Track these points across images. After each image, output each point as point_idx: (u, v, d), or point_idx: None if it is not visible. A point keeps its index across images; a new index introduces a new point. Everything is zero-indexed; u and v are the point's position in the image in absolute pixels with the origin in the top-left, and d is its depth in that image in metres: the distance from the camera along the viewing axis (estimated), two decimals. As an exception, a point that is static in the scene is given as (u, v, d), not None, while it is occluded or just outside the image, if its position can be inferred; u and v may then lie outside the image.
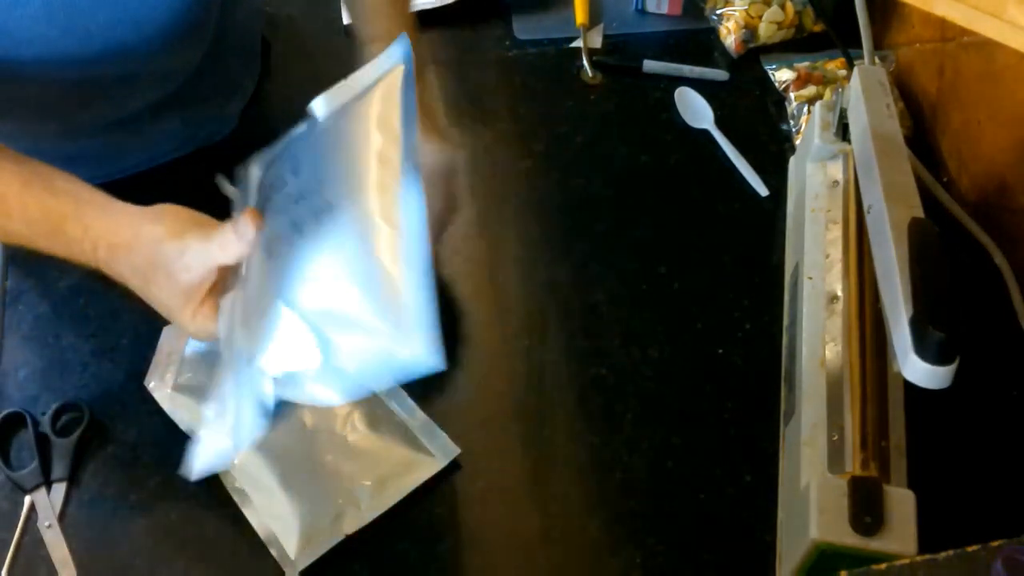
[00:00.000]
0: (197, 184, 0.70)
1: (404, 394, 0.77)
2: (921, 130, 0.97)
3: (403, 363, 0.55)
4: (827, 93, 0.97)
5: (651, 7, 1.11)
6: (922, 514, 0.60)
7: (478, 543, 0.72)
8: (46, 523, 0.72)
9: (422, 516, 0.72)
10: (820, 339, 0.72)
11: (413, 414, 0.76)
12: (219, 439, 0.64)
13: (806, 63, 1.02)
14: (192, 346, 0.80)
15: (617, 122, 1.00)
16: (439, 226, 0.76)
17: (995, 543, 0.53)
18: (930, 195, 0.89)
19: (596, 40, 1.09)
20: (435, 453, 0.74)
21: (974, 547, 0.53)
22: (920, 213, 0.68)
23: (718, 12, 1.07)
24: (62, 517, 0.72)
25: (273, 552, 0.69)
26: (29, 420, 0.76)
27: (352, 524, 0.70)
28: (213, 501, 0.72)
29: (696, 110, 1.01)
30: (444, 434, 0.75)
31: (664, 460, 0.74)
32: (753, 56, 1.05)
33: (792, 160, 0.93)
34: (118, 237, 0.65)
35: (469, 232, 0.91)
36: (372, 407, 0.76)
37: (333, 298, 0.58)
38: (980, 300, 0.83)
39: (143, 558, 0.70)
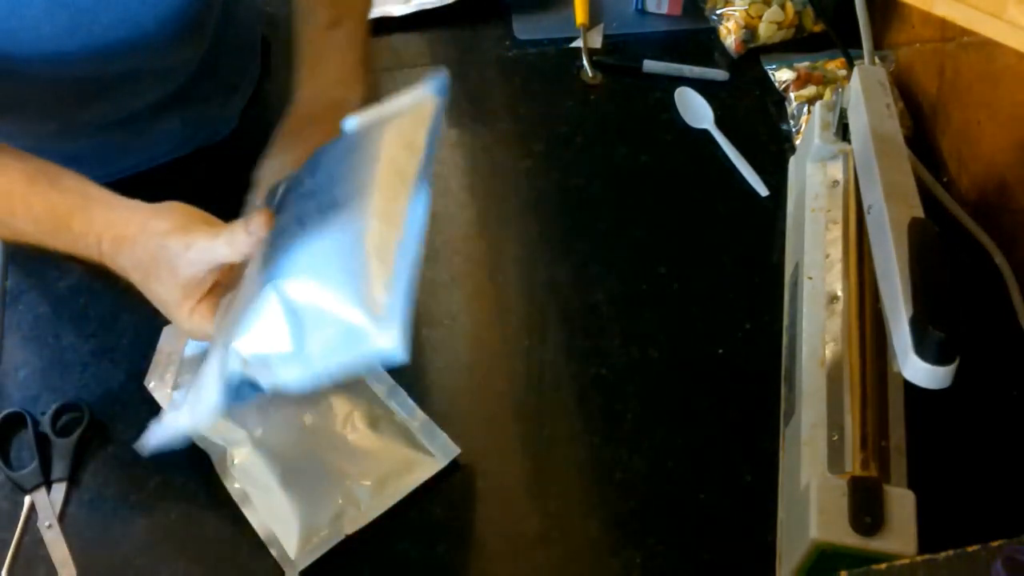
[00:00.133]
0: (197, 184, 0.71)
1: (404, 394, 0.77)
2: (921, 130, 0.97)
3: (369, 351, 0.56)
4: (827, 93, 0.97)
5: (651, 7, 1.11)
6: (922, 514, 0.60)
7: (478, 543, 0.72)
8: (46, 523, 0.72)
9: (422, 516, 0.72)
10: (820, 339, 0.72)
11: (413, 414, 0.76)
12: (178, 417, 0.64)
13: (806, 63, 1.02)
14: (192, 346, 0.80)
15: (617, 122, 1.00)
16: None
17: (995, 543, 0.53)
18: (930, 195, 0.89)
19: (596, 40, 1.09)
20: (435, 453, 0.74)
21: (974, 547, 0.53)
22: (920, 213, 0.68)
23: (718, 12, 1.07)
24: (62, 517, 0.72)
25: (273, 552, 0.69)
26: (29, 420, 0.76)
27: (352, 524, 0.70)
28: (213, 501, 0.72)
29: (696, 110, 1.01)
30: (444, 434, 0.75)
31: (664, 460, 0.74)
32: (753, 56, 1.05)
33: (792, 160, 0.93)
34: (124, 230, 0.65)
35: (469, 232, 0.91)
36: (372, 407, 0.76)
37: (313, 284, 0.58)
38: (980, 300, 0.83)
39: (143, 558, 0.70)
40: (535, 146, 0.98)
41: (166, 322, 0.74)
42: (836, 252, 0.77)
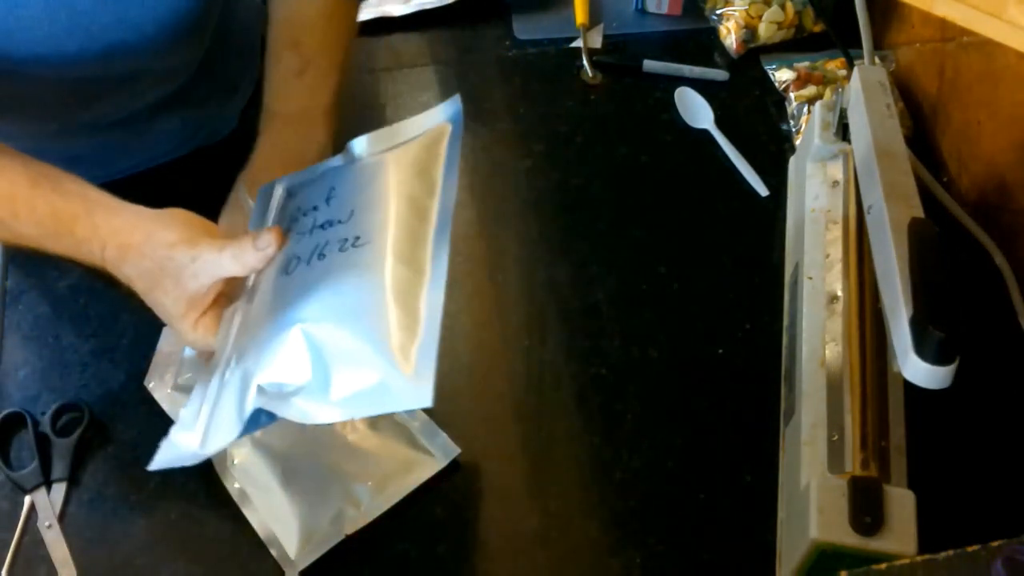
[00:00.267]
0: (197, 184, 0.70)
1: None
2: (921, 130, 0.97)
3: (399, 405, 0.57)
4: (827, 93, 0.97)
5: (651, 7, 1.11)
6: (922, 514, 0.60)
7: (478, 543, 0.72)
8: (46, 523, 0.72)
9: (422, 516, 0.72)
10: (820, 339, 0.72)
11: (413, 414, 0.76)
12: (189, 438, 0.64)
13: (806, 63, 1.02)
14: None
15: (617, 122, 1.00)
16: None
17: (995, 543, 0.53)
18: (930, 195, 0.89)
19: (596, 40, 1.09)
20: (435, 453, 0.74)
21: (974, 547, 0.53)
22: (920, 213, 0.68)
23: (718, 12, 1.07)
24: (62, 517, 0.72)
25: (273, 552, 0.69)
26: (29, 420, 0.76)
27: (352, 524, 0.70)
28: (213, 501, 0.72)
29: (696, 110, 1.01)
30: (444, 434, 0.74)
31: (664, 460, 0.74)
32: (753, 56, 1.05)
33: (792, 160, 0.93)
34: (129, 238, 0.65)
35: (469, 232, 0.91)
36: None
37: (338, 324, 0.59)
38: (980, 300, 0.83)
39: (143, 558, 0.70)
40: (535, 146, 0.98)
41: (166, 322, 0.74)
42: (836, 252, 0.77)
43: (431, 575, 0.69)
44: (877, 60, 0.90)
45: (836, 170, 0.83)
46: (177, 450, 0.65)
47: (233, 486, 0.72)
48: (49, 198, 0.67)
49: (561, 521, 0.72)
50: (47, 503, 0.73)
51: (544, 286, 0.86)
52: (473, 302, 0.86)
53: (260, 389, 0.60)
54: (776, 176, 0.93)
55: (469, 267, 0.88)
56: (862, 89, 0.80)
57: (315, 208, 0.66)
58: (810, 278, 0.77)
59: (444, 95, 1.04)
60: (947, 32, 0.92)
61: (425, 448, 0.74)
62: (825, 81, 0.99)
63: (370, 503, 0.71)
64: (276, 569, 0.69)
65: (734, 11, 1.06)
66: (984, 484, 0.71)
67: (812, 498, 0.61)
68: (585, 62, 1.05)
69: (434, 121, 0.68)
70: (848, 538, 0.59)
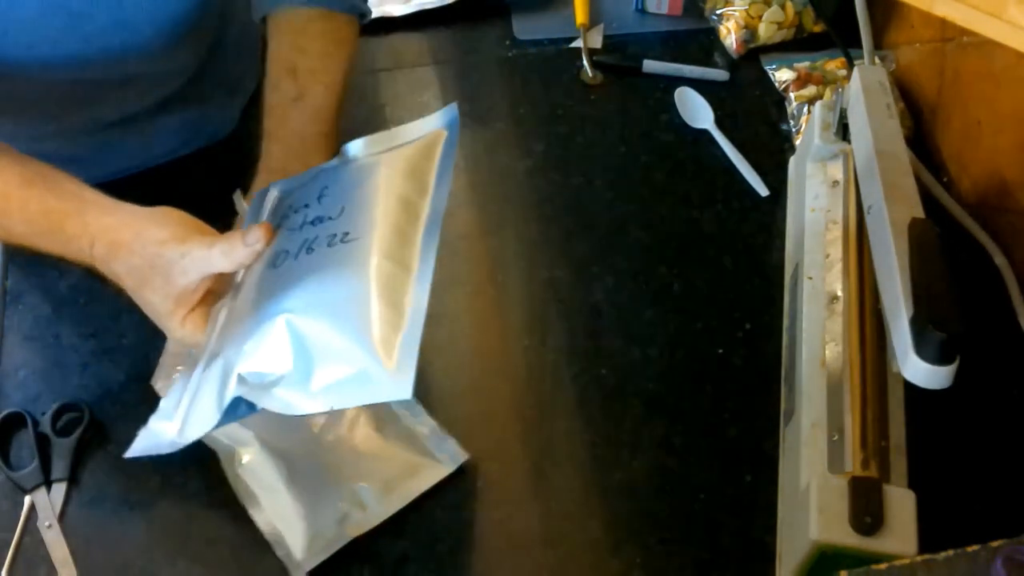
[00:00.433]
0: (197, 184, 0.71)
1: (413, 400, 0.76)
2: (921, 130, 0.97)
3: (377, 397, 0.57)
4: (827, 93, 0.97)
5: (651, 7, 1.11)
6: (922, 514, 0.60)
7: (478, 543, 0.72)
8: (46, 523, 0.72)
9: (422, 516, 0.72)
10: (820, 339, 0.72)
11: (421, 419, 0.75)
12: (167, 427, 0.65)
13: (806, 63, 1.02)
14: None
15: (617, 122, 1.00)
16: None
17: (995, 543, 0.53)
18: (930, 195, 0.89)
19: (596, 40, 1.09)
20: (443, 459, 0.73)
21: (974, 547, 0.53)
22: (920, 213, 0.68)
23: (718, 12, 1.07)
24: (62, 517, 0.72)
25: (279, 553, 0.69)
26: (29, 420, 0.76)
27: (357, 527, 0.70)
28: (213, 501, 0.72)
29: (696, 110, 1.01)
30: (453, 439, 0.74)
31: (664, 460, 0.74)
32: (753, 56, 1.05)
33: (792, 160, 0.93)
34: (119, 235, 0.65)
35: (469, 232, 0.91)
36: (380, 410, 0.76)
37: (322, 316, 0.59)
38: (980, 300, 0.83)
39: (143, 558, 0.70)
40: (535, 146, 0.98)
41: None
42: (836, 252, 0.77)
43: (431, 575, 0.69)
44: (877, 60, 0.90)
45: (836, 170, 0.83)
46: (155, 438, 0.65)
47: (239, 486, 0.72)
48: (41, 196, 0.67)
49: (561, 521, 0.72)
50: (47, 503, 0.73)
51: (544, 286, 0.86)
52: (473, 302, 0.86)
53: (241, 378, 0.60)
54: (776, 176, 0.93)
55: (469, 267, 0.88)
56: (862, 89, 0.80)
57: (306, 206, 0.66)
58: (810, 278, 0.77)
59: (444, 95, 1.04)
60: (947, 32, 0.92)
61: (432, 454, 0.74)
62: (825, 81, 0.99)
63: (375, 506, 0.71)
64: (276, 569, 0.69)
65: (734, 11, 1.06)
66: (984, 484, 0.71)
67: (812, 498, 0.61)
68: (585, 62, 1.05)
69: (431, 127, 0.69)
70: (848, 538, 0.59)
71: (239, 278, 0.68)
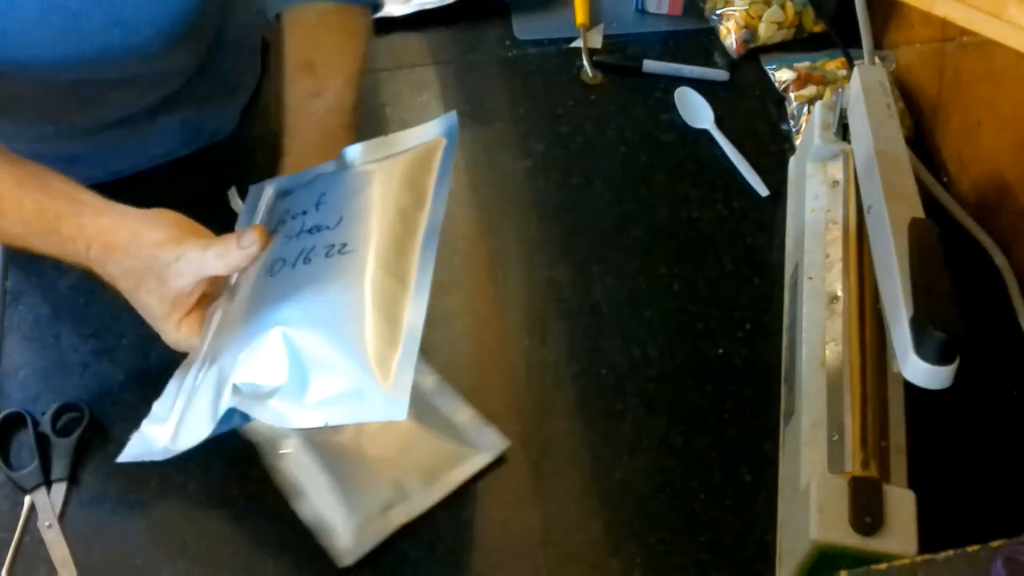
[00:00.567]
0: (197, 184, 0.71)
1: (449, 389, 0.76)
2: (921, 130, 0.97)
3: (372, 415, 0.57)
4: (827, 93, 0.97)
5: (651, 7, 1.11)
6: (922, 514, 0.60)
7: (478, 543, 0.72)
8: (46, 523, 0.72)
9: (422, 516, 0.71)
10: (820, 339, 0.72)
11: (458, 409, 0.75)
12: (160, 432, 0.64)
13: (806, 63, 1.02)
14: None
15: (617, 122, 1.00)
16: None
17: (995, 543, 0.53)
18: (930, 195, 0.89)
19: (596, 40, 1.09)
20: (482, 447, 0.73)
21: (974, 547, 0.53)
22: (920, 213, 0.68)
23: (718, 12, 1.07)
24: (62, 517, 0.72)
25: (323, 542, 0.69)
26: (29, 420, 0.76)
27: (401, 516, 0.70)
28: (214, 501, 0.72)
29: (696, 110, 1.01)
30: (492, 428, 0.74)
31: (664, 460, 0.74)
32: (753, 56, 1.05)
33: (792, 160, 0.93)
34: (115, 237, 0.65)
35: (469, 232, 0.91)
36: (418, 400, 0.75)
37: (318, 329, 0.59)
38: (980, 300, 0.82)
39: (143, 558, 0.70)
40: (535, 146, 0.98)
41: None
42: (836, 252, 0.77)
43: (431, 575, 0.69)
44: (877, 60, 0.90)
45: (836, 170, 0.83)
46: (147, 443, 0.65)
47: (282, 477, 0.72)
48: (36, 197, 0.67)
49: (561, 521, 0.72)
50: (47, 503, 0.73)
51: (544, 286, 0.86)
52: (473, 302, 0.86)
53: (235, 388, 0.60)
54: (776, 176, 0.93)
55: (469, 267, 0.88)
56: (862, 89, 0.80)
57: (304, 212, 0.66)
58: (810, 278, 0.77)
59: (444, 95, 1.04)
60: (947, 32, 0.92)
61: (472, 443, 0.73)
62: (825, 81, 0.99)
63: (419, 495, 0.71)
64: (277, 569, 0.69)
65: (734, 11, 1.06)
66: (984, 484, 0.71)
67: (812, 498, 0.61)
68: (585, 62, 1.05)
69: (430, 134, 0.69)
70: (848, 538, 0.59)
71: (234, 280, 0.68)
